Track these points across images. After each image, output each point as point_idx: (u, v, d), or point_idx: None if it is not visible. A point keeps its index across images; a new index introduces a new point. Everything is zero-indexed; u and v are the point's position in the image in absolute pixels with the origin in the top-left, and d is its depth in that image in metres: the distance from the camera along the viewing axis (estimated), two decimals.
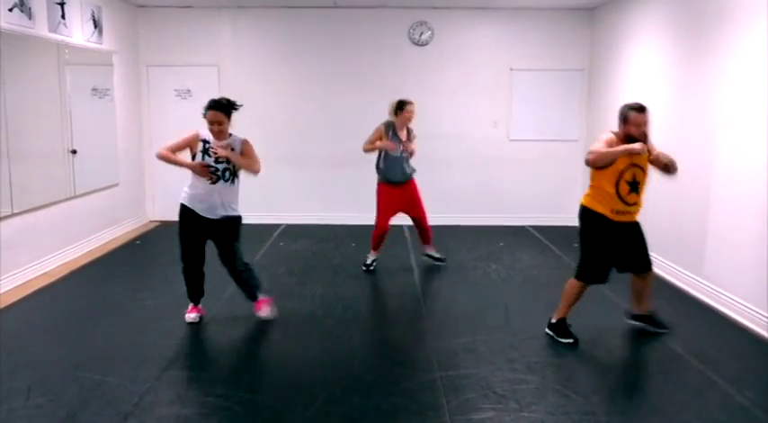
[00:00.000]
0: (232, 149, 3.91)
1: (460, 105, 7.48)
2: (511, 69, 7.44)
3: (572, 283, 3.84)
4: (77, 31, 5.89)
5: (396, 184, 5.22)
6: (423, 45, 7.39)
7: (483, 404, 3.04)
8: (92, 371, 3.36)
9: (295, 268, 5.55)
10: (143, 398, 3.07)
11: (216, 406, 3.00)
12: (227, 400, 3.07)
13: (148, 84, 7.46)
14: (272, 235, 6.88)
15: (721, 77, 4.62)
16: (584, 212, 3.77)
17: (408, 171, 5.26)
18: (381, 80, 7.28)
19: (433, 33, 7.36)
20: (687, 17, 5.16)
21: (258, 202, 7.41)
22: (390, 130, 5.13)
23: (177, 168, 3.91)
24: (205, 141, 3.88)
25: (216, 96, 3.96)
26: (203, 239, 4.00)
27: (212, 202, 3.92)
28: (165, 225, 7.26)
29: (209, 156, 3.87)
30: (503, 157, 7.58)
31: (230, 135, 3.96)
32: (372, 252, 5.46)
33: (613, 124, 3.76)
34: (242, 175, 4.04)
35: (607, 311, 4.40)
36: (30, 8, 5.09)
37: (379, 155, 5.19)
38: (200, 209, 3.91)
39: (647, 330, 3.97)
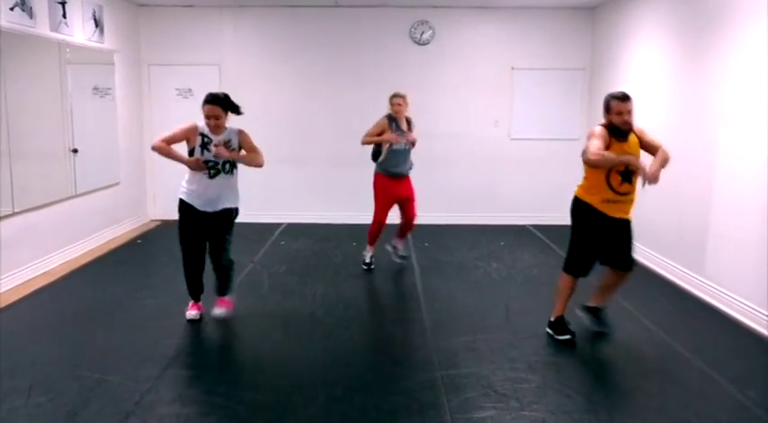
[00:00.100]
0: (232, 149, 3.91)
1: (461, 104, 7.48)
2: (512, 68, 7.44)
3: (562, 278, 3.85)
4: (78, 30, 5.89)
5: (396, 177, 5.22)
6: (424, 44, 7.39)
7: (484, 403, 3.04)
8: (92, 370, 3.36)
9: (296, 267, 5.55)
10: (144, 397, 3.07)
11: (217, 405, 3.00)
12: (228, 398, 3.07)
13: (150, 83, 7.46)
14: (272, 234, 6.88)
15: (722, 76, 4.61)
16: (575, 203, 3.77)
17: (409, 165, 5.28)
18: (382, 79, 7.26)
19: (434, 32, 7.36)
20: (688, 16, 5.15)
21: (259, 200, 7.42)
22: (393, 122, 5.13)
23: (175, 164, 3.92)
24: (204, 135, 3.88)
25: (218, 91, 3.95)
26: (203, 233, 4.00)
27: (211, 195, 3.92)
28: (165, 224, 7.26)
29: (209, 151, 3.86)
30: (504, 156, 7.57)
31: (225, 129, 3.96)
32: (369, 247, 5.45)
33: None
34: (244, 168, 4.04)
35: (608, 310, 4.39)
36: (31, 7, 5.09)
37: (380, 147, 5.18)
38: (198, 204, 3.91)
39: (590, 326, 3.93)
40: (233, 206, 4.04)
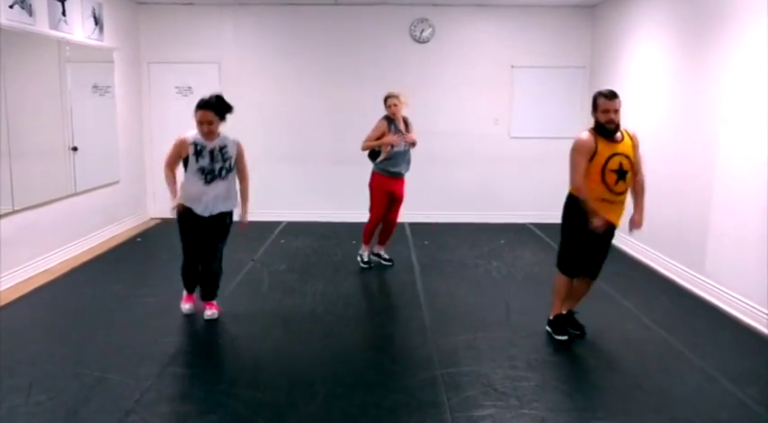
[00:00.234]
0: (222, 148, 3.88)
1: (461, 103, 7.47)
2: (512, 66, 7.43)
3: (557, 277, 3.85)
4: (78, 28, 5.88)
5: (395, 177, 5.23)
6: (424, 42, 7.38)
7: (484, 401, 3.04)
8: (93, 368, 3.36)
9: (296, 265, 5.55)
10: (144, 395, 3.07)
11: (217, 403, 3.00)
12: (228, 396, 3.07)
13: (149, 81, 7.45)
14: (272, 232, 6.87)
15: (722, 75, 4.61)
16: (569, 200, 3.76)
17: (408, 165, 5.28)
18: (382, 77, 7.25)
19: (434, 30, 7.35)
20: (688, 14, 5.15)
21: (259, 199, 7.36)
22: (392, 124, 5.13)
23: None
24: (196, 144, 3.83)
25: (210, 94, 3.88)
26: (201, 234, 4.01)
27: (207, 199, 3.90)
28: (165, 222, 7.25)
29: (203, 157, 3.83)
30: (504, 155, 7.57)
31: (219, 135, 3.90)
32: (365, 247, 5.45)
33: None
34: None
35: (608, 309, 4.40)
36: (30, 5, 5.08)
37: (379, 147, 5.17)
38: (196, 208, 3.91)
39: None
40: (229, 209, 4.03)
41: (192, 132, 3.87)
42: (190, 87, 7.42)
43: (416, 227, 7.11)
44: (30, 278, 5.04)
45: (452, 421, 2.85)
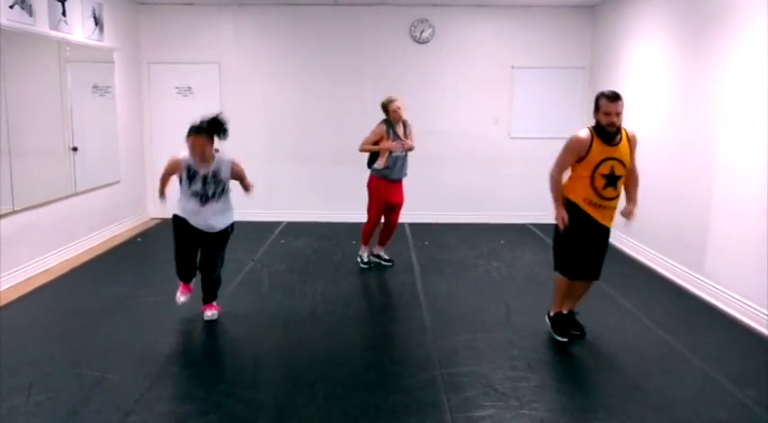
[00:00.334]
0: (220, 180, 3.82)
1: (461, 103, 7.47)
2: (512, 67, 7.43)
3: (557, 276, 3.84)
4: (78, 29, 5.88)
5: (393, 181, 5.24)
6: (424, 43, 7.38)
7: (483, 402, 3.04)
8: (92, 368, 3.36)
9: (296, 266, 5.55)
10: (144, 395, 3.08)
11: (217, 403, 3.00)
12: (228, 396, 3.07)
13: (149, 81, 7.45)
14: (272, 232, 6.88)
15: (722, 75, 4.61)
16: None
17: (406, 170, 5.29)
18: (382, 78, 7.27)
19: (434, 31, 7.35)
20: (688, 14, 5.15)
21: (259, 199, 7.38)
22: (390, 129, 5.13)
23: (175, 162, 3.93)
24: (190, 168, 3.77)
25: (204, 117, 3.71)
26: (198, 244, 4.00)
27: (202, 220, 3.88)
28: (165, 222, 7.21)
29: (195, 182, 3.79)
30: (504, 155, 7.57)
31: (214, 156, 3.81)
32: (364, 247, 5.45)
33: None
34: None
35: (608, 309, 4.40)
36: (30, 5, 5.08)
37: (377, 154, 5.18)
38: (193, 221, 3.89)
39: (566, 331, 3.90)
40: (227, 225, 4.00)
41: (185, 153, 3.78)
42: (190, 87, 7.43)
43: (416, 227, 7.11)
44: (30, 278, 5.04)
45: (452, 422, 2.85)
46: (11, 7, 4.82)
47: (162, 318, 4.16)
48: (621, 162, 3.54)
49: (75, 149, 5.83)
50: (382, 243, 5.56)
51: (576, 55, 7.40)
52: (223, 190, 3.88)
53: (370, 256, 5.51)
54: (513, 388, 3.18)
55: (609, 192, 3.56)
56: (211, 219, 3.89)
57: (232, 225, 4.05)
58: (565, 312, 3.88)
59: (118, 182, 6.82)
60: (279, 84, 7.44)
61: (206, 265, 4.05)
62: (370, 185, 5.29)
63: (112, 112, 6.69)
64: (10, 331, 3.91)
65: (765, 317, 4.03)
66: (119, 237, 6.62)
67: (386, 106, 5.14)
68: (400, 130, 5.19)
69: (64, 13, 5.59)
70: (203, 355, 3.74)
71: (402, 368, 3.45)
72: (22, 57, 5.09)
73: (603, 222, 3.64)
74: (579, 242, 3.66)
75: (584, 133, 3.56)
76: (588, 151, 3.50)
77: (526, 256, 5.92)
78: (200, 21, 7.31)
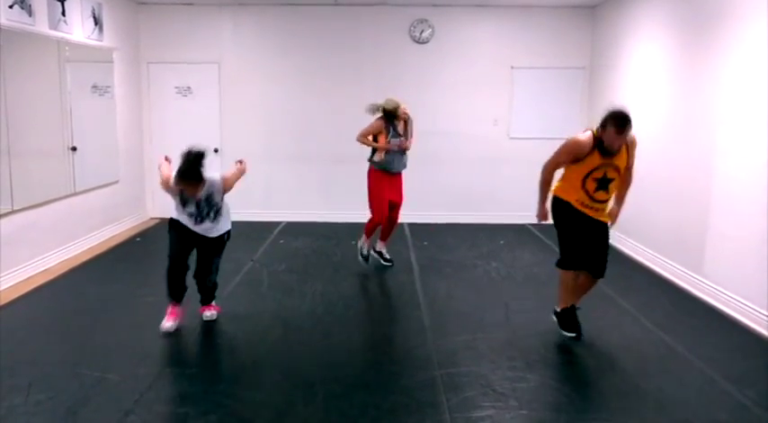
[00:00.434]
0: (208, 197, 3.80)
1: (461, 103, 7.47)
2: (512, 67, 7.43)
3: (561, 272, 3.85)
4: (78, 28, 5.88)
5: (394, 174, 5.23)
6: (423, 43, 7.38)
7: (483, 402, 3.04)
8: (92, 368, 3.36)
9: (295, 266, 5.55)
10: (144, 395, 3.08)
11: (216, 403, 3.00)
12: (228, 397, 3.07)
13: (149, 81, 7.45)
14: (272, 232, 6.88)
15: (722, 75, 4.61)
16: (555, 201, 3.77)
17: (406, 161, 5.29)
18: (382, 78, 7.27)
19: (433, 31, 7.35)
20: (688, 15, 5.15)
21: (258, 199, 7.43)
22: (390, 125, 5.12)
23: (175, 162, 3.90)
24: (182, 193, 3.75)
25: (187, 156, 3.60)
26: (192, 245, 3.99)
27: (203, 229, 3.89)
28: (165, 222, 7.23)
29: (189, 206, 3.79)
30: (503, 155, 7.57)
31: (205, 182, 3.74)
32: (365, 238, 5.35)
33: None
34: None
35: (607, 310, 4.40)
36: (30, 5, 5.08)
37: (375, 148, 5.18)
38: (190, 226, 3.89)
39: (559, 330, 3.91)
40: (223, 232, 4.00)
41: None
42: (189, 87, 7.43)
43: (416, 227, 7.12)
44: (29, 278, 5.04)
45: (451, 422, 2.85)
46: (10, 7, 4.82)
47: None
48: (615, 167, 3.56)
49: (74, 149, 5.82)
50: (383, 238, 5.52)
51: (576, 55, 7.40)
52: (218, 210, 3.89)
53: (371, 251, 5.46)
54: (513, 388, 3.19)
55: (600, 195, 3.60)
56: (210, 230, 3.92)
57: (228, 232, 4.04)
58: (567, 307, 3.89)
59: (117, 182, 6.81)
60: (278, 84, 7.44)
61: (201, 272, 4.06)
62: (369, 180, 5.27)
63: (112, 112, 6.69)
64: (9, 331, 3.91)
65: (765, 317, 4.03)
66: (118, 236, 6.62)
67: (394, 112, 5.08)
68: (400, 127, 5.18)
69: (63, 13, 5.59)
70: (203, 355, 3.74)
71: (401, 368, 3.45)
72: (22, 57, 5.09)
73: (599, 219, 3.67)
74: (575, 232, 3.70)
75: (585, 137, 3.53)
76: (586, 157, 3.52)
77: (525, 257, 5.92)
78: (199, 21, 7.30)
